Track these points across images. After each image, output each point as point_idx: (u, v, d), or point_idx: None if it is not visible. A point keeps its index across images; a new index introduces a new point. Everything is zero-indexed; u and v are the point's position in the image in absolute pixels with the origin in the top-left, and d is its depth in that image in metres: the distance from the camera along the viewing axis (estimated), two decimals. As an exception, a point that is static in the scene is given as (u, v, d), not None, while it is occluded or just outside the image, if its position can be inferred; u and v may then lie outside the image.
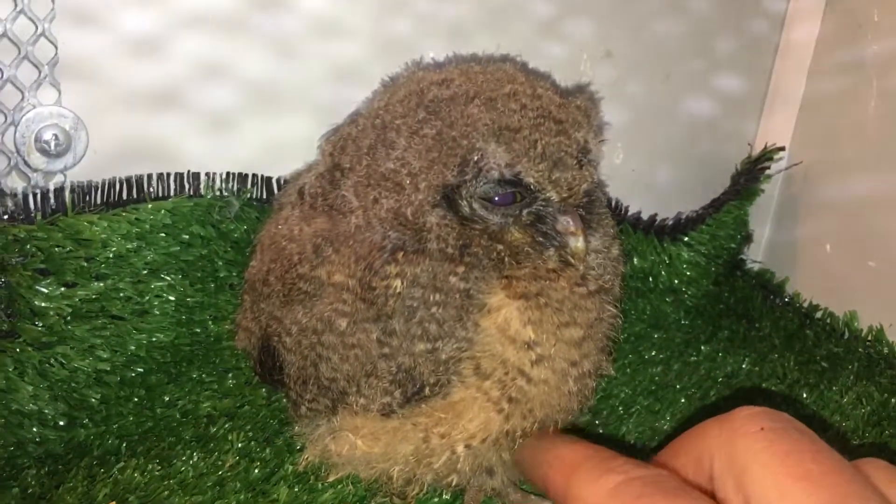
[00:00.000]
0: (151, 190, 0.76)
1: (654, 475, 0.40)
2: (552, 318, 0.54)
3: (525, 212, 0.54)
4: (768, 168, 0.96)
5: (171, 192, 0.77)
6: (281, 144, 0.80)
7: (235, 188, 0.79)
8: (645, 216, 0.98)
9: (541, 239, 0.54)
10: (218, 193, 0.78)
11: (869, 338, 0.87)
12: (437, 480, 0.60)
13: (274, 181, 0.80)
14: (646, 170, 0.97)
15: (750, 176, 0.97)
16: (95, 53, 0.73)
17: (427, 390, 0.54)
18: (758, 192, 0.97)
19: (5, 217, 0.71)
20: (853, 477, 0.35)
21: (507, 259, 0.54)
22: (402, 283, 0.52)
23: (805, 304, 0.94)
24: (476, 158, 0.52)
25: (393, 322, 0.52)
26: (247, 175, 0.79)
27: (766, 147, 0.97)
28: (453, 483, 0.60)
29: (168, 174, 0.77)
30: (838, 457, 0.36)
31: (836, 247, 0.92)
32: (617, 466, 0.41)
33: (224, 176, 0.78)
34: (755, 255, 1.03)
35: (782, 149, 0.96)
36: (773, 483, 0.35)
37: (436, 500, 0.66)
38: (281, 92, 0.80)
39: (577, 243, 0.54)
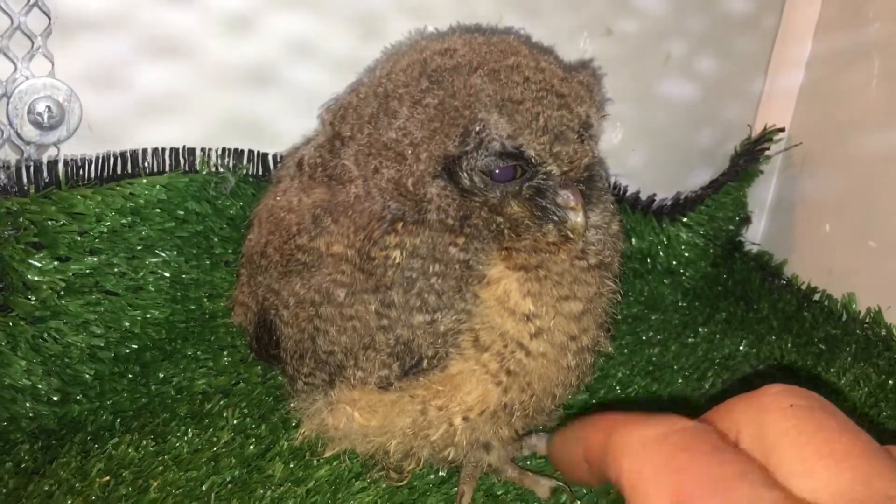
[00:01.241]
0: (146, 165, 0.75)
1: (698, 428, 0.39)
2: (552, 291, 0.53)
3: (525, 186, 0.53)
4: (767, 149, 0.96)
5: (167, 168, 0.76)
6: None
7: (231, 164, 0.78)
8: (643, 196, 0.97)
9: (540, 213, 0.54)
10: (214, 169, 0.77)
11: (867, 320, 0.86)
12: (434, 455, 0.60)
13: (270, 157, 0.80)
14: (645, 150, 0.97)
15: (749, 157, 0.96)
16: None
17: (425, 363, 0.54)
18: (757, 174, 0.97)
19: (-2, 189, 0.70)
20: (879, 457, 0.35)
21: (506, 231, 0.53)
22: (402, 253, 0.52)
23: (803, 286, 0.94)
24: (478, 129, 0.51)
25: (392, 293, 0.52)
26: (242, 151, 0.78)
27: (765, 128, 0.96)
28: (450, 457, 0.60)
29: (163, 149, 0.76)
30: (866, 437, 0.36)
31: (835, 228, 0.91)
32: (660, 420, 0.40)
33: (220, 151, 0.77)
34: (754, 237, 1.02)
35: (782, 130, 0.96)
36: (799, 460, 0.35)
37: (432, 476, 0.66)
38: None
39: (576, 218, 0.53)
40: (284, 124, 0.79)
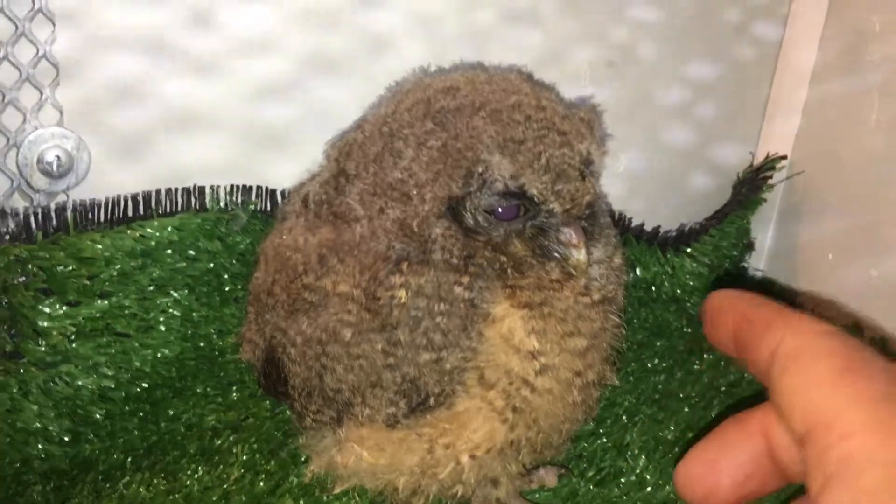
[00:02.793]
0: (159, 206, 0.76)
1: (863, 343, 0.39)
2: (556, 328, 0.54)
3: (528, 224, 0.54)
4: (770, 177, 0.97)
5: (178, 207, 0.77)
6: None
7: (240, 200, 0.79)
8: (648, 227, 0.98)
9: (542, 251, 0.54)
10: (223, 206, 0.78)
11: (872, 346, 0.86)
12: (442, 491, 0.60)
13: (278, 193, 0.81)
14: (647, 176, 0.97)
15: (752, 185, 0.97)
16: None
17: (432, 400, 0.54)
18: (760, 202, 0.97)
19: (7, 237, 0.71)
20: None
21: (510, 270, 0.54)
22: (407, 293, 0.52)
23: (807, 313, 0.94)
24: (481, 170, 0.52)
25: (397, 332, 0.53)
26: (251, 187, 0.80)
27: (767, 156, 0.97)
28: (458, 494, 0.60)
29: (175, 189, 0.77)
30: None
31: (838, 255, 0.92)
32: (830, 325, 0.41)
33: (228, 188, 0.79)
34: (757, 264, 1.03)
35: (784, 157, 0.96)
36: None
37: (441, 511, 0.66)
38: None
39: (578, 255, 0.54)
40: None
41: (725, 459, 0.43)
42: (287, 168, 0.76)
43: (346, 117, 0.71)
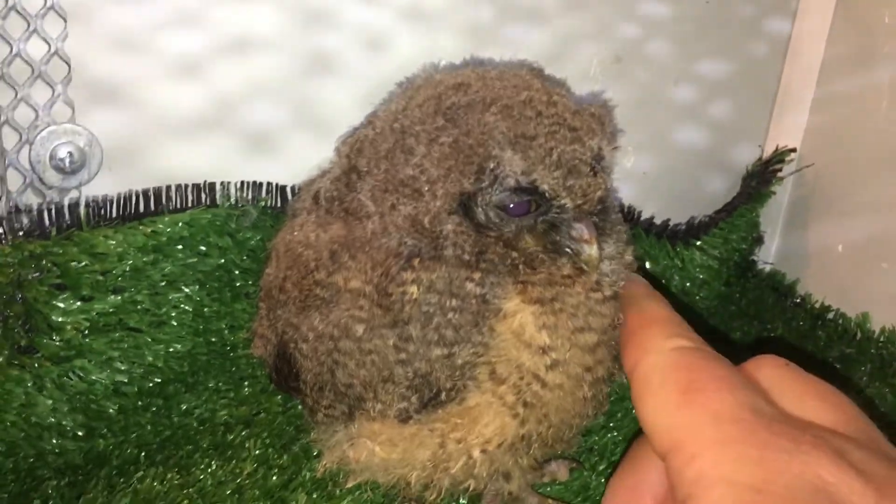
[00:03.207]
0: (169, 201, 0.77)
1: (716, 353, 0.44)
2: (567, 323, 0.54)
3: (539, 220, 0.54)
4: (779, 171, 0.96)
5: (189, 203, 0.78)
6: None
7: (250, 196, 0.79)
8: (658, 221, 0.98)
9: (554, 247, 0.55)
10: (233, 202, 0.79)
11: (881, 339, 0.86)
12: (454, 485, 0.61)
13: (288, 189, 0.81)
14: (657, 173, 0.97)
15: (761, 179, 0.97)
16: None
17: (443, 395, 0.54)
18: (769, 195, 0.97)
19: (21, 233, 0.71)
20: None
21: (521, 265, 0.54)
22: (419, 289, 0.52)
23: (817, 306, 0.94)
24: (492, 166, 0.52)
25: (409, 328, 0.53)
26: (261, 183, 0.80)
27: (776, 149, 0.97)
28: (470, 488, 0.60)
29: (185, 185, 0.77)
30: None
31: (847, 247, 0.91)
32: (690, 334, 0.46)
33: (238, 185, 0.79)
34: (766, 257, 1.03)
35: (793, 150, 0.96)
36: (794, 396, 0.41)
37: (453, 504, 0.67)
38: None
39: (590, 251, 0.54)
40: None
41: (642, 482, 0.45)
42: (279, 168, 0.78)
43: (344, 116, 0.73)
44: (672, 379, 0.41)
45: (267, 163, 0.81)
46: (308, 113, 0.82)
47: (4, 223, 0.71)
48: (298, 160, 0.78)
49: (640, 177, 0.96)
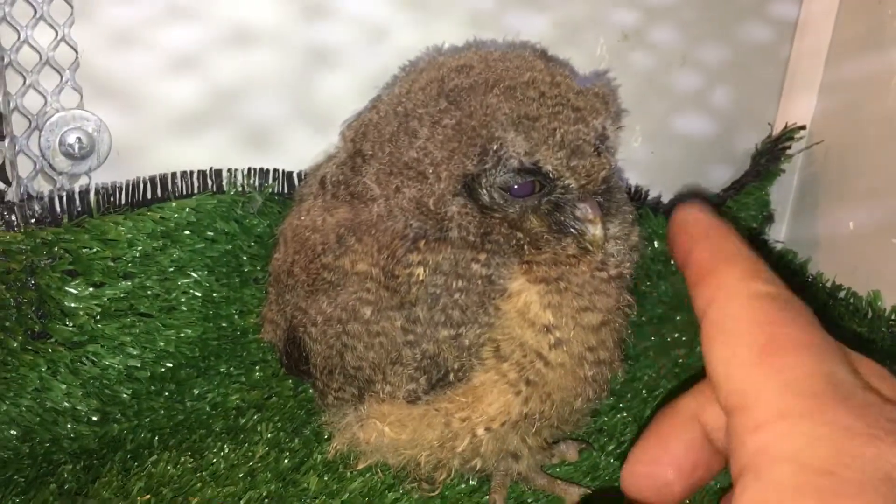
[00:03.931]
0: (175, 188, 0.77)
1: (800, 304, 0.39)
2: (571, 303, 0.54)
3: (544, 200, 0.54)
4: (789, 148, 0.96)
5: (195, 190, 0.78)
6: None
7: (257, 183, 0.80)
8: (665, 200, 0.97)
9: (559, 227, 0.55)
10: (240, 189, 0.79)
11: (893, 317, 0.86)
12: (463, 465, 0.61)
13: (295, 175, 0.81)
14: (665, 153, 0.97)
15: (771, 156, 0.96)
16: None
17: (452, 376, 0.55)
18: (778, 173, 0.97)
19: (33, 220, 0.72)
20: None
21: (526, 246, 0.54)
22: (425, 270, 0.53)
23: (828, 284, 0.94)
24: (495, 147, 0.52)
25: (416, 309, 0.53)
26: (268, 170, 0.80)
27: (786, 126, 0.96)
28: (477, 467, 0.61)
29: (191, 172, 0.78)
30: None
31: (858, 225, 0.91)
32: (771, 277, 0.41)
33: (245, 171, 0.79)
34: (777, 236, 1.02)
35: (803, 128, 0.96)
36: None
37: (463, 486, 0.67)
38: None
39: (595, 230, 0.54)
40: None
41: (666, 454, 0.43)
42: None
43: (344, 108, 0.74)
44: (749, 333, 0.38)
45: (267, 154, 0.81)
46: (307, 105, 0.82)
47: (17, 210, 0.71)
48: (298, 152, 0.80)
49: (647, 157, 0.95)
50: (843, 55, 0.92)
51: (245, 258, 0.79)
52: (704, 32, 0.93)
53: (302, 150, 0.79)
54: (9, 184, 0.73)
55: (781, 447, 0.33)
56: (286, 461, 0.69)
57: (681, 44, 0.92)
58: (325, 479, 0.67)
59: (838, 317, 0.89)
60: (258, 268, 0.80)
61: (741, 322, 0.38)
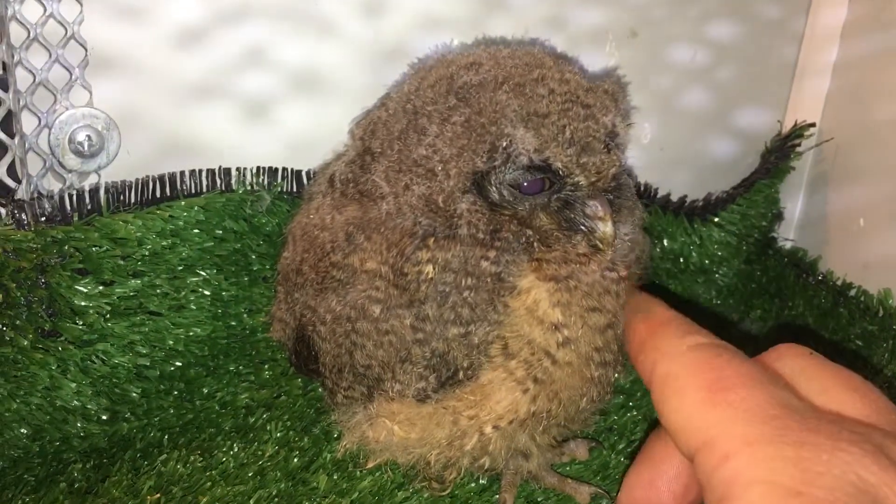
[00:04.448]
0: (184, 187, 0.77)
1: (734, 348, 0.42)
2: (581, 302, 0.54)
3: (553, 198, 0.54)
4: (798, 145, 0.95)
5: (204, 189, 0.78)
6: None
7: (266, 182, 0.80)
8: (674, 198, 0.97)
9: (568, 224, 0.54)
10: (249, 188, 0.79)
11: (904, 315, 0.86)
12: (472, 464, 0.61)
13: (304, 174, 0.81)
14: (674, 150, 0.97)
15: (780, 154, 0.96)
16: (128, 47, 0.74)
17: (461, 374, 0.55)
18: (788, 170, 0.96)
19: (43, 219, 0.72)
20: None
21: (536, 243, 0.54)
22: (434, 268, 0.53)
23: (838, 282, 0.93)
24: (505, 144, 0.52)
25: (426, 307, 0.53)
26: (277, 169, 0.80)
27: (796, 124, 0.96)
28: (487, 466, 0.61)
29: (200, 171, 0.78)
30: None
31: (869, 222, 0.90)
32: (702, 331, 0.45)
33: (254, 170, 0.79)
34: (786, 233, 1.02)
35: (813, 125, 0.95)
36: (820, 387, 0.40)
37: (473, 484, 0.67)
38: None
39: (605, 228, 0.54)
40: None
41: (660, 477, 0.44)
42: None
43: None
44: (696, 378, 0.40)
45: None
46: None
47: (27, 209, 0.71)
48: (297, 128, 0.80)
49: (657, 153, 0.95)
50: (856, 36, 0.91)
51: (254, 257, 0.79)
52: (715, 10, 0.92)
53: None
54: (19, 182, 0.74)
55: (752, 472, 0.34)
56: (296, 460, 0.69)
57: (690, 26, 0.91)
58: (335, 477, 0.67)
59: (849, 315, 0.88)
60: (267, 266, 0.80)
61: (686, 370, 0.41)
